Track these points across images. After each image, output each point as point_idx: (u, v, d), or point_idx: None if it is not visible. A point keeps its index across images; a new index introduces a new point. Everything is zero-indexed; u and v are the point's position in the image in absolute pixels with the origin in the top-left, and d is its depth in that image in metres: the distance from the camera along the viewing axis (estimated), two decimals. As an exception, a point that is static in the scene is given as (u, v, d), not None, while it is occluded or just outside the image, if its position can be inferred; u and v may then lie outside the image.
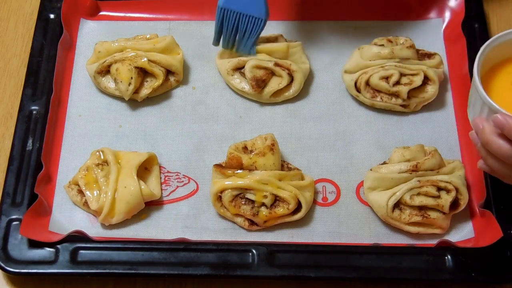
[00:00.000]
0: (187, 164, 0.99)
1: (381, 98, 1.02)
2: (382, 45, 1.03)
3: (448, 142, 1.01)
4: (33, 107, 1.00)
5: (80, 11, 1.11)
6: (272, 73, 1.04)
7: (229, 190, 0.91)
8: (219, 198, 0.93)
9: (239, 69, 1.05)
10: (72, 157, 0.99)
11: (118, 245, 0.89)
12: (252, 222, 0.93)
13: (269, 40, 1.06)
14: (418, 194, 0.91)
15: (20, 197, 0.93)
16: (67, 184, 0.96)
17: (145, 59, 1.01)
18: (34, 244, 0.89)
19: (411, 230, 0.92)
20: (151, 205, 0.95)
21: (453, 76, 1.06)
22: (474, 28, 1.08)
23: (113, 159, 0.94)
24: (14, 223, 0.91)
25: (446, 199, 0.90)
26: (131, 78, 1.01)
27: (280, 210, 0.91)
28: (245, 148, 0.96)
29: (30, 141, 0.97)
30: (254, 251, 0.89)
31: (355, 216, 0.95)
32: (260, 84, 1.02)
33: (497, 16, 1.13)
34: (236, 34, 1.01)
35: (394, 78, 1.00)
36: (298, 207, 0.93)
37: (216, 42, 1.04)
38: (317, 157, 1.00)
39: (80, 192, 0.94)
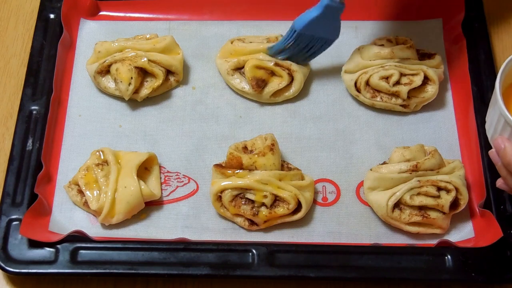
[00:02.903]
0: (187, 164, 0.99)
1: (381, 98, 1.02)
2: (382, 45, 1.03)
3: (448, 142, 1.01)
4: (33, 107, 1.00)
5: (80, 11, 1.11)
6: (272, 73, 1.04)
7: (229, 190, 0.91)
8: (219, 198, 0.93)
9: (239, 69, 1.05)
10: (72, 157, 0.99)
11: (118, 245, 0.89)
12: (252, 222, 0.93)
13: (269, 40, 1.06)
14: (418, 194, 0.91)
15: (20, 197, 0.93)
16: (67, 184, 0.96)
17: (145, 59, 1.02)
18: (34, 244, 0.89)
19: (411, 230, 0.92)
20: (151, 205, 0.95)
21: (453, 76, 1.06)
22: (474, 28, 1.08)
23: (113, 159, 0.94)
24: (14, 223, 0.91)
25: (446, 199, 0.90)
26: (131, 78, 1.01)
27: (280, 210, 0.91)
28: (245, 148, 0.96)
29: (30, 141, 0.97)
30: (254, 251, 0.89)
31: (355, 216, 0.95)
32: (260, 84, 1.02)
33: (497, 16, 1.13)
34: (300, 50, 1.02)
35: (394, 78, 1.00)
36: (298, 207, 0.93)
37: (273, 53, 1.03)
38: (317, 157, 1.00)
39: (80, 192, 0.94)
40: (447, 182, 0.91)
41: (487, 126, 0.85)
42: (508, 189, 0.83)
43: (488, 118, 0.84)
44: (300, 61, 1.04)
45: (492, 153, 0.82)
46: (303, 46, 1.01)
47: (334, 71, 1.07)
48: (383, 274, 0.87)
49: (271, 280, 0.88)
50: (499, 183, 0.84)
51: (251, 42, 1.05)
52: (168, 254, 0.88)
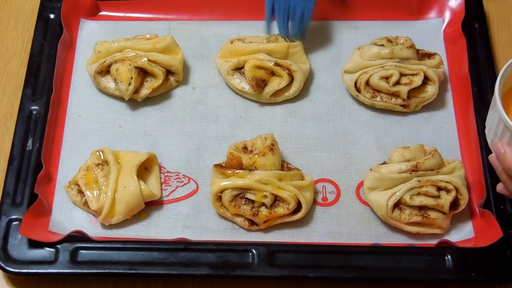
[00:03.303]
0: (187, 164, 0.99)
1: (381, 98, 1.02)
2: (382, 45, 1.03)
3: (448, 142, 1.01)
4: (33, 107, 1.00)
5: (80, 11, 1.11)
6: (272, 73, 1.04)
7: (229, 190, 0.91)
8: (219, 198, 0.93)
9: (239, 69, 1.05)
10: (72, 157, 0.99)
11: (118, 245, 0.89)
12: (252, 222, 0.93)
13: (269, 40, 1.06)
14: (418, 194, 0.91)
15: (20, 197, 0.93)
16: (67, 184, 0.96)
17: (145, 59, 1.02)
18: (34, 244, 0.89)
19: (411, 230, 0.92)
20: (151, 205, 0.95)
21: (453, 76, 1.06)
22: (474, 28, 1.08)
23: (113, 159, 0.94)
24: (14, 223, 0.91)
25: (446, 199, 0.90)
26: (131, 78, 1.01)
27: (280, 210, 0.91)
28: (245, 148, 0.96)
29: (30, 141, 0.97)
30: (254, 251, 0.89)
31: (355, 216, 0.95)
32: (260, 84, 1.02)
33: (497, 16, 1.13)
34: (286, 19, 1.03)
35: (394, 78, 1.00)
36: (298, 207, 0.93)
37: (268, 29, 1.06)
38: (317, 157, 1.00)
39: (80, 192, 0.94)
40: (447, 182, 0.91)
41: (486, 130, 0.84)
42: (508, 194, 0.82)
43: (487, 122, 0.84)
44: (295, 34, 1.05)
45: (492, 157, 0.82)
46: (283, 11, 1.02)
47: (334, 71, 1.07)
48: (383, 274, 0.87)
49: (271, 280, 0.88)
50: (499, 187, 0.83)
51: (251, 42, 1.05)
52: (168, 254, 0.88)
